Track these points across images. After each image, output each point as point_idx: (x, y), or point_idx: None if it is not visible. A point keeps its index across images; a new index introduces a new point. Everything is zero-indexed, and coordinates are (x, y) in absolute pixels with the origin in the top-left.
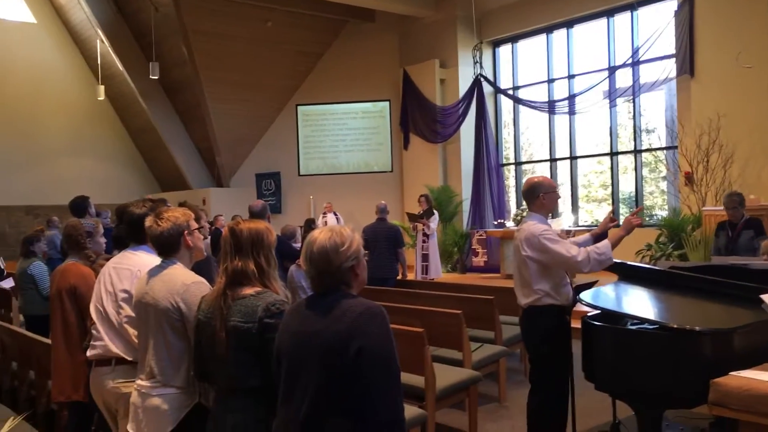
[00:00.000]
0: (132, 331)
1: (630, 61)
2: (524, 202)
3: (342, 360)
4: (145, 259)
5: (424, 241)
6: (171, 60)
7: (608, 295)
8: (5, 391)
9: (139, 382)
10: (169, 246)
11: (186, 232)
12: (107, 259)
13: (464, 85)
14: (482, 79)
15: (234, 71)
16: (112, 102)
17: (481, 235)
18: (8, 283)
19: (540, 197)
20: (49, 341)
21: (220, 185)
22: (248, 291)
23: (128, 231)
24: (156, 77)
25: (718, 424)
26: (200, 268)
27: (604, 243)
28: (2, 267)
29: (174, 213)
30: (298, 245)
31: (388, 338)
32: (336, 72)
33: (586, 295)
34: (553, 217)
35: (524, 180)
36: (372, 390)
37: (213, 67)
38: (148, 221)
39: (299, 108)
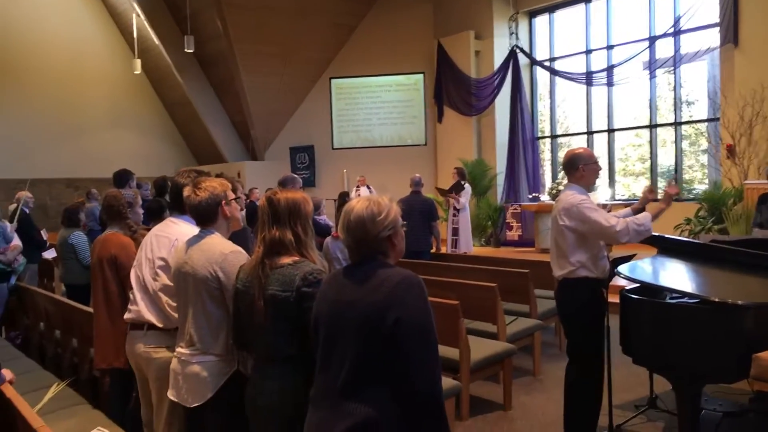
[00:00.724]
0: (165, 299)
1: (671, 30)
2: (559, 176)
3: (379, 330)
4: (184, 228)
5: (454, 215)
6: (206, 33)
7: (647, 268)
8: (49, 358)
9: (179, 349)
10: (206, 216)
11: (223, 202)
12: (147, 230)
13: (500, 56)
14: (518, 51)
15: (268, 44)
16: (148, 75)
17: (515, 209)
18: (51, 254)
19: (580, 169)
20: (90, 310)
21: (254, 159)
22: (286, 260)
23: (172, 201)
24: (191, 51)
25: (759, 400)
26: (236, 238)
27: (644, 215)
28: (45, 238)
29: (212, 183)
30: (322, 218)
31: (425, 309)
32: (370, 44)
33: (624, 269)
34: (589, 191)
35: (564, 152)
36: (409, 360)
37: (247, 40)
38: (186, 191)
39: (333, 81)
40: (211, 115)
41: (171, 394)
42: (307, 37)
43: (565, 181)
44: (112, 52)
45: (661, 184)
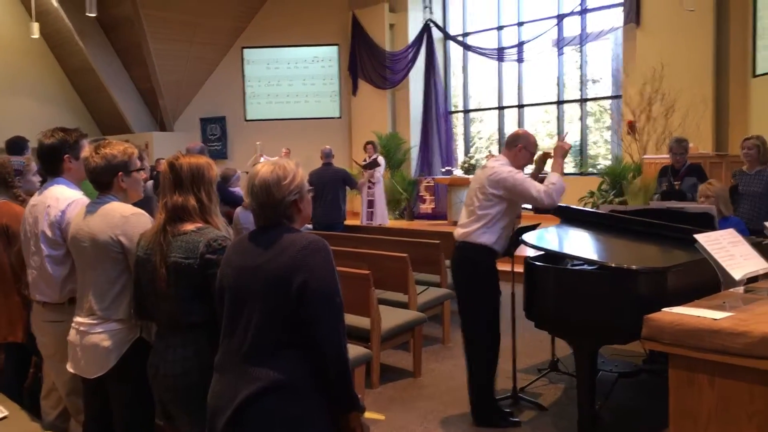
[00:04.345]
0: (50, 272)
1: (578, 9)
2: (471, 149)
3: (285, 294)
4: (55, 192)
5: (369, 188)
6: None
7: (551, 236)
8: None
9: (77, 319)
10: (101, 183)
11: (121, 173)
12: None
13: (414, 30)
14: (432, 25)
15: (176, 11)
16: (47, 40)
17: (428, 182)
18: None
19: (518, 147)
20: None
21: (163, 129)
22: (189, 227)
23: (41, 163)
24: (93, 15)
25: (651, 361)
26: (142, 207)
27: (553, 175)
28: None
29: (111, 150)
30: (236, 189)
31: (331, 272)
32: (283, 14)
33: (529, 237)
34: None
35: (476, 127)
36: (315, 323)
37: (154, 6)
38: (85, 152)
39: (245, 51)
40: (116, 83)
41: (70, 367)
42: (218, 5)
43: (477, 156)
44: (6, 14)
45: (568, 158)
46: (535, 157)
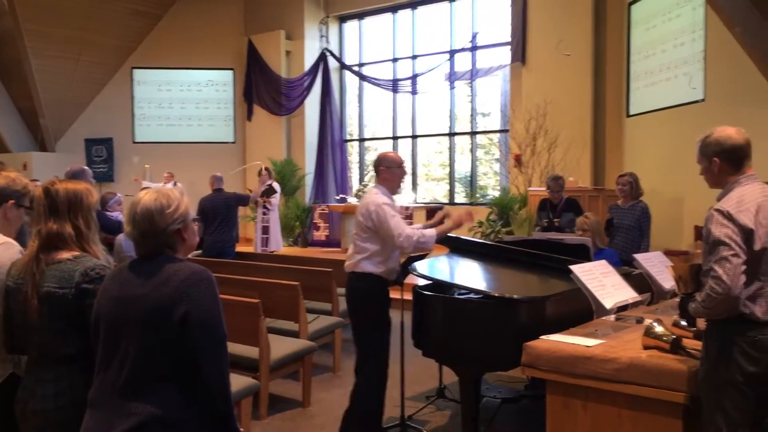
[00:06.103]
0: None
1: (469, 45)
2: (366, 178)
3: (166, 325)
4: None
5: (264, 214)
6: None
7: (439, 266)
8: None
9: None
10: None
11: (13, 201)
12: None
13: (310, 58)
14: (328, 54)
15: (61, 26)
16: None
17: (323, 210)
18: None
19: (381, 170)
20: None
21: (44, 149)
22: (65, 255)
23: None
24: None
25: (533, 386)
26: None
27: (431, 231)
28: None
29: (16, 177)
30: (114, 214)
31: (215, 303)
32: (177, 36)
33: (419, 266)
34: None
35: (371, 155)
36: (198, 355)
37: (37, 20)
38: None
39: (135, 71)
40: None
41: None
42: (106, 23)
43: (371, 184)
44: None
45: (459, 188)
46: (438, 214)
